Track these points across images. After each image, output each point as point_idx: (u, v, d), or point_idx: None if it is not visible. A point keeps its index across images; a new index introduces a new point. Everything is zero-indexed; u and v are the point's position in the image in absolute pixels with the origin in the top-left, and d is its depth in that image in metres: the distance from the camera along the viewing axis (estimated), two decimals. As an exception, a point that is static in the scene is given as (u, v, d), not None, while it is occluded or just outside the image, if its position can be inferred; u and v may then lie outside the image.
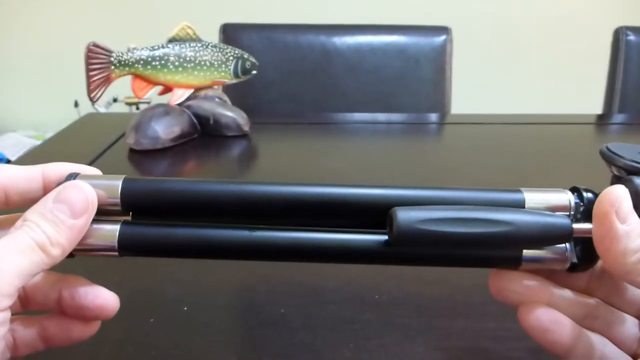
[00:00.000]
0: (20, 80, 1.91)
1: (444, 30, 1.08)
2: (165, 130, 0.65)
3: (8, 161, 1.66)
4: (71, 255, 0.22)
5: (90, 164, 0.58)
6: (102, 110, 1.66)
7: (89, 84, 0.64)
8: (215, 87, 0.73)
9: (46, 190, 0.23)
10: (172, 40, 0.68)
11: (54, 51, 1.85)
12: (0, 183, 0.22)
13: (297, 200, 0.23)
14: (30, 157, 0.72)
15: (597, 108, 1.16)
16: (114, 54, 0.65)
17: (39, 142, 1.70)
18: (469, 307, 0.33)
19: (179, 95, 0.69)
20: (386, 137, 0.79)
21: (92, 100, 0.65)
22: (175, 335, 0.30)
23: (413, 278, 0.36)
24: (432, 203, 0.22)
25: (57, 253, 0.20)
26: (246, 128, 0.71)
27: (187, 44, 0.68)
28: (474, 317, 0.32)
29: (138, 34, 1.12)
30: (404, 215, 0.21)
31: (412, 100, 1.08)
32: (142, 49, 0.66)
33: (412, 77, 1.08)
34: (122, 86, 0.72)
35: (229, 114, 0.71)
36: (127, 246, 0.22)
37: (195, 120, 0.70)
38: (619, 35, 1.08)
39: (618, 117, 1.01)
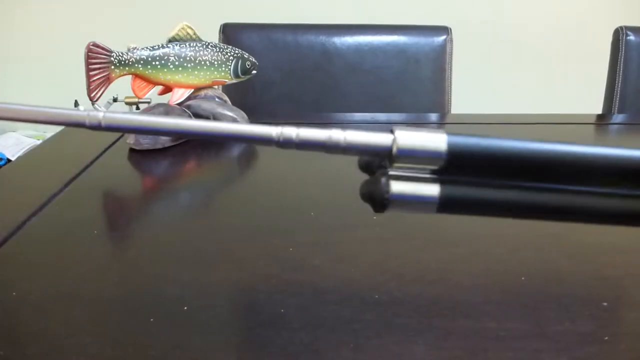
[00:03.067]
0: (20, 80, 1.91)
1: (444, 30, 1.08)
2: (165, 130, 0.65)
3: (8, 161, 1.66)
4: (383, 208, 0.22)
5: (90, 164, 0.59)
6: (102, 110, 1.66)
7: (89, 84, 0.64)
8: (215, 87, 0.73)
9: None
10: (172, 40, 0.68)
11: (54, 51, 1.85)
12: None
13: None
14: (30, 157, 0.72)
15: (597, 108, 1.16)
16: (114, 54, 0.65)
17: (39, 142, 1.70)
18: (469, 307, 0.33)
19: (179, 95, 0.69)
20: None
21: (92, 100, 0.65)
22: (175, 335, 0.30)
23: (413, 278, 0.36)
24: None
25: None
26: (246, 128, 0.71)
27: (187, 44, 0.68)
28: (474, 317, 0.32)
29: (138, 34, 1.12)
30: None
31: (412, 100, 1.08)
32: (142, 49, 0.66)
33: (412, 77, 1.08)
34: (122, 86, 0.72)
35: (229, 114, 0.71)
36: (448, 204, 0.22)
37: (195, 120, 0.70)
38: (619, 35, 1.08)
39: (618, 117, 1.01)
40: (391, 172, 0.23)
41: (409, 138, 0.22)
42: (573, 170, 0.22)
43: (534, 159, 0.22)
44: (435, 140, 0.22)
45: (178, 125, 0.23)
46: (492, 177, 0.23)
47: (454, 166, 0.22)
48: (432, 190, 0.22)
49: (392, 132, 0.22)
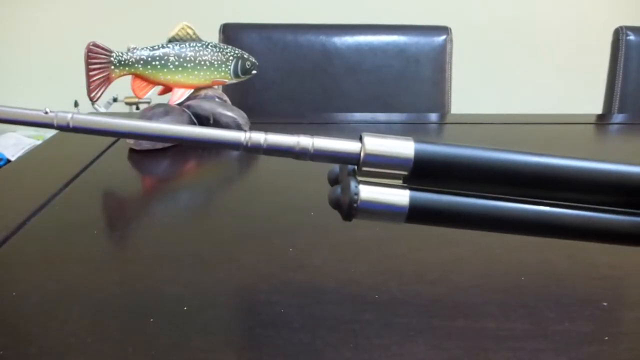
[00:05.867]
0: (21, 80, 1.91)
1: (444, 30, 1.08)
2: (165, 130, 0.65)
3: (8, 161, 1.66)
4: (350, 217, 0.21)
5: (90, 164, 0.59)
6: (102, 110, 1.66)
7: (89, 84, 0.64)
8: (215, 87, 0.73)
9: None
10: (172, 40, 0.68)
11: (54, 51, 1.85)
12: None
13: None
14: (30, 157, 0.72)
15: (597, 108, 1.16)
16: (114, 54, 0.65)
17: (39, 142, 1.70)
18: (469, 307, 0.33)
19: (179, 95, 0.69)
20: (386, 137, 0.79)
21: (92, 100, 0.65)
22: (175, 335, 0.30)
23: (413, 278, 0.36)
24: None
25: None
26: (246, 128, 0.71)
27: (187, 44, 0.68)
28: (474, 317, 0.32)
29: (138, 34, 1.12)
30: None
31: (412, 100, 1.08)
32: (142, 49, 0.66)
33: (412, 77, 1.08)
34: (122, 86, 0.72)
35: (229, 113, 0.71)
36: (417, 213, 0.22)
37: (195, 120, 0.70)
38: (619, 35, 1.08)
39: (618, 117, 1.01)
40: (360, 179, 0.22)
41: (376, 145, 0.22)
42: (545, 181, 0.22)
43: (505, 169, 0.22)
44: (403, 147, 0.22)
45: (143, 128, 0.23)
46: (462, 186, 0.22)
47: (423, 174, 0.22)
48: (402, 198, 0.22)
49: (360, 139, 0.22)
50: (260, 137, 0.23)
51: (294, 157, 0.23)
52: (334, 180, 0.25)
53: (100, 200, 0.52)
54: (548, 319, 0.31)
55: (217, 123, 0.70)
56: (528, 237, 0.42)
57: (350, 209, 0.22)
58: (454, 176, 0.22)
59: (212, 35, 0.95)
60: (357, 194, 0.22)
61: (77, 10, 1.84)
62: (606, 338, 0.30)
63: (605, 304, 0.33)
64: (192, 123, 0.69)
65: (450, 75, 1.09)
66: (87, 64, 0.63)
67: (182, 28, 0.69)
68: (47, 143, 0.75)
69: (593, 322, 0.31)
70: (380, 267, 0.37)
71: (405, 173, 0.22)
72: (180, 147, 0.66)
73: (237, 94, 0.94)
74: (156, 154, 0.64)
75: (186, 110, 0.70)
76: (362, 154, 0.22)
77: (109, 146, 0.66)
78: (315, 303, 0.33)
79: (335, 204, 0.23)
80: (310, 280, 0.36)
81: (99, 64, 0.64)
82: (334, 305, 0.33)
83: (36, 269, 0.37)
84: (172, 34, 0.68)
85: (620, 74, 1.07)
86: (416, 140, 0.22)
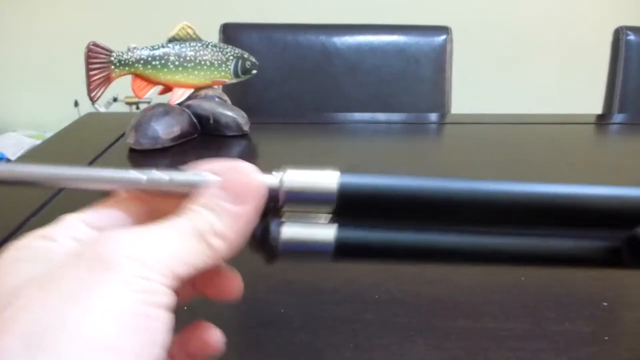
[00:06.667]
0: (21, 79, 1.91)
1: (444, 30, 1.08)
2: (165, 130, 0.65)
3: (8, 160, 1.66)
4: (273, 258, 0.20)
5: (90, 164, 0.59)
6: (102, 110, 1.66)
7: (89, 84, 0.64)
8: (215, 86, 0.73)
9: None
10: (172, 40, 0.68)
11: (54, 51, 1.85)
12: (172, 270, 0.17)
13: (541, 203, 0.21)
14: (30, 157, 0.72)
15: (597, 108, 1.16)
16: (114, 54, 0.65)
17: (39, 142, 1.70)
18: (469, 307, 0.33)
19: (179, 95, 0.69)
20: (386, 137, 0.79)
21: (92, 100, 0.65)
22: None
23: (413, 278, 0.36)
24: None
25: (221, 245, 0.18)
26: (246, 128, 0.71)
27: (187, 44, 0.68)
28: (474, 317, 0.32)
29: (138, 34, 1.12)
30: None
31: (412, 100, 1.08)
32: (142, 48, 0.66)
33: (412, 77, 1.08)
34: (122, 86, 0.72)
35: (229, 113, 0.71)
36: (344, 250, 0.20)
37: (195, 120, 0.70)
38: (619, 35, 1.08)
39: (618, 117, 1.01)
40: (283, 219, 0.20)
41: (297, 177, 0.20)
42: (475, 211, 0.20)
43: (434, 199, 0.20)
44: (325, 181, 0.20)
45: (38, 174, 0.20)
46: (394, 219, 0.21)
47: (350, 209, 0.20)
48: (327, 236, 0.20)
49: (282, 171, 0.20)
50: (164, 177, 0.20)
51: None
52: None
53: (101, 200, 0.52)
54: (548, 319, 0.31)
55: (217, 123, 0.70)
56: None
57: (273, 251, 0.20)
58: (383, 208, 0.20)
59: (212, 35, 0.95)
60: (278, 233, 0.20)
61: (77, 10, 1.84)
62: (606, 338, 0.30)
63: (605, 304, 0.33)
64: (192, 123, 0.69)
65: (450, 75, 1.09)
66: (87, 63, 0.63)
67: (182, 28, 0.69)
68: (47, 143, 0.75)
69: (593, 322, 0.31)
70: (380, 267, 0.37)
71: (329, 211, 0.20)
72: (180, 146, 0.66)
73: (237, 94, 0.94)
74: (156, 154, 0.64)
75: (186, 110, 0.70)
76: (281, 189, 0.20)
77: (109, 146, 0.66)
78: (315, 303, 0.33)
79: (257, 246, 0.21)
80: (310, 280, 0.36)
81: (99, 64, 0.64)
82: (334, 305, 0.33)
83: (36, 268, 0.37)
84: (172, 33, 0.68)
85: (620, 74, 1.07)
86: (342, 172, 0.20)
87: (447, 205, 0.20)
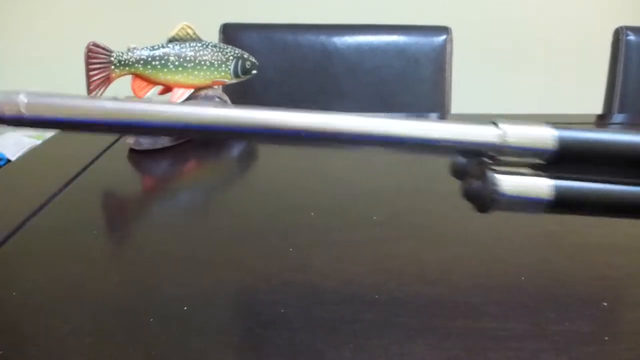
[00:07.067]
0: (20, 79, 1.91)
1: (444, 30, 1.08)
2: (165, 130, 0.65)
3: (8, 161, 1.66)
4: (487, 208, 0.20)
5: (90, 164, 0.59)
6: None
7: (89, 84, 0.64)
8: (215, 87, 0.73)
9: None
10: (172, 40, 0.68)
11: (54, 51, 1.85)
12: None
13: None
14: (30, 157, 0.72)
15: (597, 108, 1.16)
16: (114, 54, 0.65)
17: (39, 142, 1.70)
18: (469, 307, 0.33)
19: (179, 95, 0.69)
20: (386, 137, 0.79)
21: (92, 100, 0.65)
22: (175, 335, 0.30)
23: (413, 278, 0.36)
24: None
25: None
26: (246, 128, 0.71)
27: (187, 44, 0.68)
28: (474, 317, 0.32)
29: (138, 34, 1.12)
30: None
31: (412, 100, 1.08)
32: (142, 48, 0.66)
33: (412, 77, 1.08)
34: (122, 86, 0.72)
35: (229, 113, 0.71)
36: (562, 202, 0.21)
37: (195, 120, 0.70)
38: (619, 35, 1.08)
39: (618, 117, 1.01)
40: (496, 169, 0.21)
41: (517, 133, 0.21)
42: None
43: None
44: (543, 135, 0.21)
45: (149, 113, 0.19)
46: (604, 174, 0.21)
47: (563, 162, 0.21)
48: (545, 188, 0.21)
49: (495, 125, 0.21)
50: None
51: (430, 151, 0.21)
52: (460, 172, 0.23)
53: (100, 200, 0.52)
54: (548, 319, 0.31)
55: (217, 123, 0.70)
56: (527, 237, 0.42)
57: (491, 201, 0.21)
58: (599, 163, 0.21)
59: (212, 35, 0.95)
60: (496, 184, 0.21)
61: (77, 10, 1.84)
62: (606, 338, 0.30)
63: (605, 304, 0.33)
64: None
65: (450, 75, 1.09)
66: (87, 63, 0.63)
67: (182, 28, 0.69)
68: (47, 143, 0.75)
69: (593, 322, 0.31)
70: (380, 267, 0.37)
71: (543, 162, 0.21)
72: (180, 146, 0.66)
73: (237, 94, 0.94)
74: (156, 154, 0.64)
75: (186, 110, 0.70)
76: (501, 142, 0.21)
77: (109, 146, 0.66)
78: (315, 303, 0.33)
79: (473, 196, 0.21)
80: (310, 280, 0.36)
81: (99, 64, 0.64)
82: (334, 305, 0.33)
83: (36, 269, 0.37)
84: (172, 34, 0.68)
85: (620, 74, 1.07)
86: (556, 127, 0.21)
87: None
